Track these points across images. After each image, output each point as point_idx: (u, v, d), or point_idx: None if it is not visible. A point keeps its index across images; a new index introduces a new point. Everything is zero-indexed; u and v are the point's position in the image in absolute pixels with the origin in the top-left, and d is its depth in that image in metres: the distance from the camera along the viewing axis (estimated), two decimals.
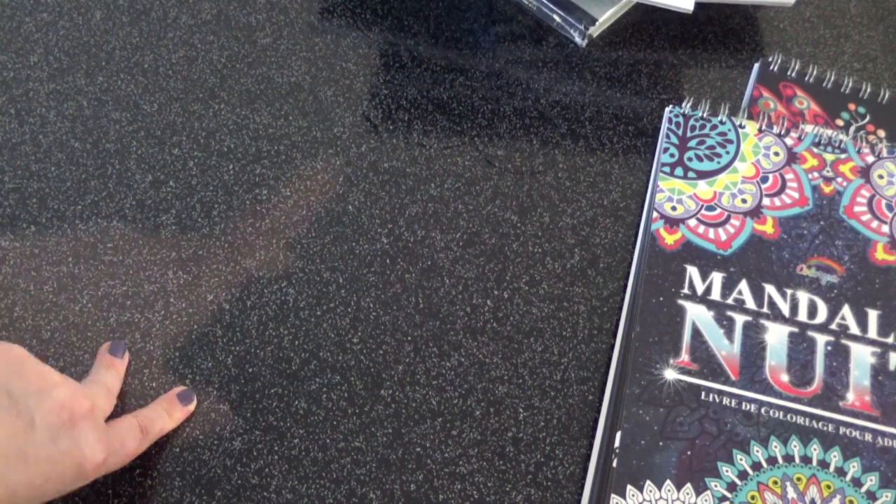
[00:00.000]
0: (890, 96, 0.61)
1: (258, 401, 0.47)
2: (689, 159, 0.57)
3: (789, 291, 0.52)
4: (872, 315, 0.51)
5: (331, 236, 0.53)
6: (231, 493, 0.45)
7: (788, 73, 0.62)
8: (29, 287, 0.51)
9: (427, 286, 0.52)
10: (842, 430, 0.47)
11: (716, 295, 0.51)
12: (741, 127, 0.59)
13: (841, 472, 0.46)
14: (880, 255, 0.53)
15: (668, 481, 0.45)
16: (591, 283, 0.53)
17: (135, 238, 0.52)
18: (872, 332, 0.50)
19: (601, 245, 0.54)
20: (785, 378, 0.49)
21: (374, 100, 0.59)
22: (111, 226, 0.53)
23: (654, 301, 0.51)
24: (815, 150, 0.58)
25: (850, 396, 0.48)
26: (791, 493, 0.45)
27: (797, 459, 0.46)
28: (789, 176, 0.56)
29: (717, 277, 0.52)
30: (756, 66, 0.63)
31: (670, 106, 0.60)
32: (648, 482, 0.45)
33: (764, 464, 0.46)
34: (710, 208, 0.55)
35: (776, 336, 0.50)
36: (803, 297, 0.52)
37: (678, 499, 0.44)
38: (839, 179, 0.56)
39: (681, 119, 0.59)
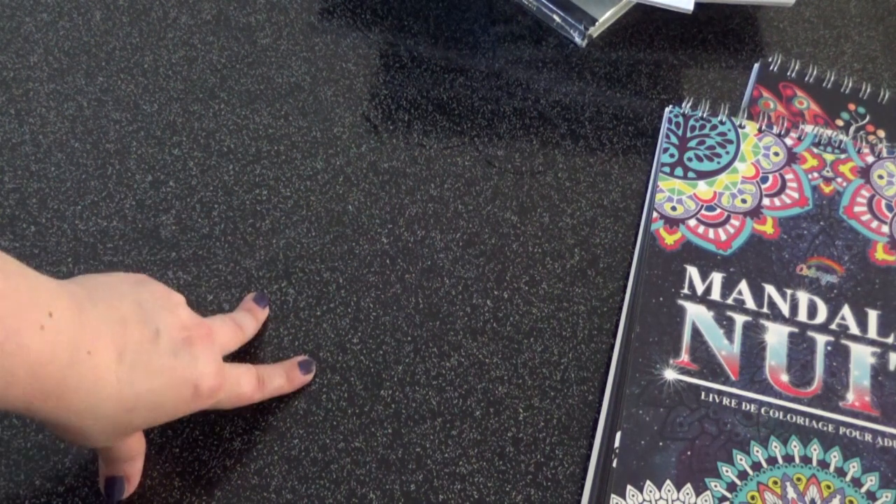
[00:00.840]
0: (890, 96, 0.61)
1: (258, 401, 0.47)
2: (689, 159, 0.57)
3: (789, 291, 0.52)
4: (872, 315, 0.51)
5: (331, 236, 0.53)
6: (231, 493, 0.45)
7: (788, 73, 0.62)
8: None
9: (427, 286, 0.52)
10: (842, 430, 0.47)
11: (716, 295, 0.51)
12: (741, 127, 0.59)
13: (841, 472, 0.46)
14: (880, 255, 0.53)
15: (667, 481, 0.45)
16: (591, 283, 0.53)
17: (135, 238, 0.52)
18: (872, 333, 0.50)
19: (601, 245, 0.54)
20: (785, 378, 0.49)
21: (374, 100, 0.59)
22: (111, 226, 0.53)
23: (653, 301, 0.51)
24: (815, 150, 0.58)
25: (850, 396, 0.48)
26: (791, 494, 0.45)
27: (797, 459, 0.46)
28: (789, 176, 0.56)
29: (716, 277, 0.52)
30: (756, 66, 0.63)
31: (670, 106, 0.60)
32: (648, 482, 0.45)
33: (764, 464, 0.46)
34: (710, 208, 0.55)
35: (776, 336, 0.50)
36: (803, 297, 0.52)
37: (678, 499, 0.44)
38: (839, 179, 0.56)
39: (681, 119, 0.59)
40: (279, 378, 0.46)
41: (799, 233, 0.54)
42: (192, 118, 0.58)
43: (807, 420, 0.47)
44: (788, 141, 0.58)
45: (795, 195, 0.56)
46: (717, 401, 0.48)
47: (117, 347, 0.37)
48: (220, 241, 0.53)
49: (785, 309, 0.51)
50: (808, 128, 0.59)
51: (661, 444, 0.46)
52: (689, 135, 0.58)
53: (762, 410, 0.47)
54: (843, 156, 0.57)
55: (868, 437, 0.47)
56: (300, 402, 0.47)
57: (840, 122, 0.60)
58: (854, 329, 0.50)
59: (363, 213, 0.54)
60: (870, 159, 0.57)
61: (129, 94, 0.58)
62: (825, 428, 0.47)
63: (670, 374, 0.48)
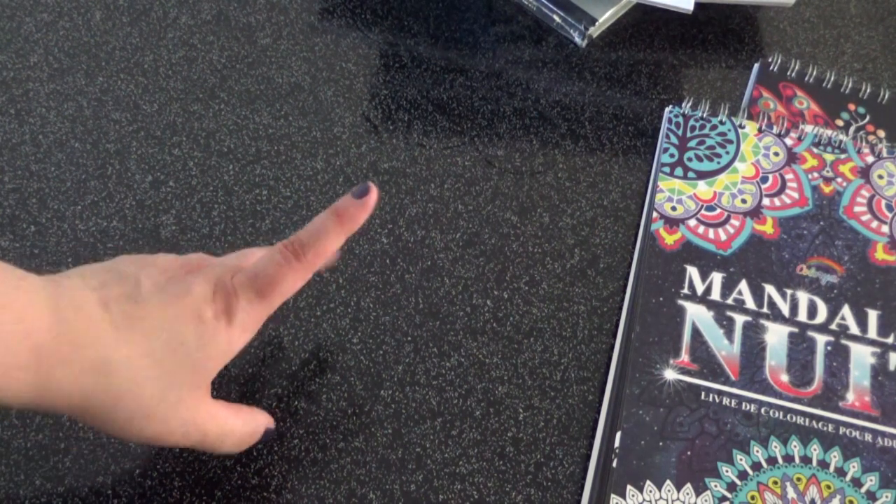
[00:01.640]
0: (890, 96, 0.61)
1: (258, 401, 0.47)
2: (689, 159, 0.57)
3: (789, 291, 0.52)
4: (872, 315, 0.51)
5: None
6: (231, 493, 0.45)
7: (788, 73, 0.62)
8: None
9: (427, 286, 0.52)
10: (842, 430, 0.47)
11: (716, 295, 0.51)
12: (741, 127, 0.59)
13: (841, 472, 0.46)
14: (880, 255, 0.53)
15: (668, 481, 0.45)
16: (591, 283, 0.53)
17: (135, 238, 0.52)
18: (872, 333, 0.50)
19: (601, 245, 0.54)
20: (785, 378, 0.49)
21: (374, 100, 0.59)
22: (111, 226, 0.53)
23: (653, 301, 0.51)
24: (815, 150, 0.58)
25: (850, 396, 0.48)
26: (791, 494, 0.45)
27: (797, 459, 0.46)
28: (789, 176, 0.56)
29: (716, 277, 0.52)
30: (756, 66, 0.63)
31: (670, 106, 0.60)
32: (648, 482, 0.45)
33: (764, 464, 0.46)
34: (710, 208, 0.55)
35: (776, 336, 0.50)
36: (803, 297, 0.52)
37: (678, 499, 0.44)
38: (839, 179, 0.56)
39: (681, 119, 0.59)
40: (322, 236, 0.39)
41: (799, 233, 0.54)
42: (192, 118, 0.58)
43: (807, 420, 0.47)
44: (788, 141, 0.58)
45: (795, 195, 0.56)
46: (717, 401, 0.48)
47: (101, 301, 0.36)
48: (220, 241, 0.53)
49: (785, 309, 0.51)
50: (808, 128, 0.59)
51: (661, 444, 0.46)
52: (689, 135, 0.58)
53: (762, 410, 0.47)
54: (843, 156, 0.57)
55: (868, 437, 0.47)
56: (300, 402, 0.47)
57: (840, 122, 0.60)
58: (854, 329, 0.50)
59: None
60: (870, 159, 0.57)
61: (129, 94, 0.58)
62: (825, 428, 0.47)
63: (670, 374, 0.48)
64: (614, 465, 0.45)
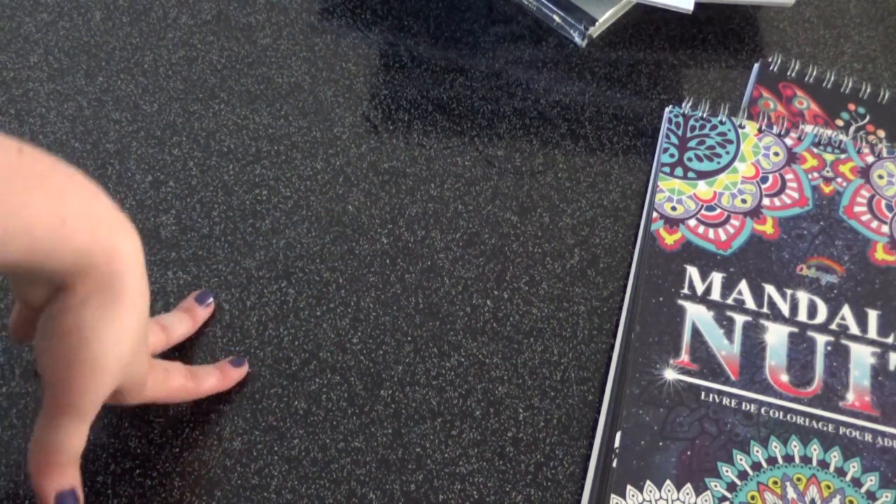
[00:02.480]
0: (890, 96, 0.61)
1: (258, 401, 0.47)
2: (689, 159, 0.57)
3: (789, 291, 0.52)
4: (872, 315, 0.51)
5: (331, 236, 0.53)
6: (231, 493, 0.45)
7: (788, 73, 0.62)
8: None
9: (427, 286, 0.52)
10: (842, 430, 0.47)
11: (716, 295, 0.51)
12: (741, 127, 0.59)
13: (841, 472, 0.46)
14: (880, 255, 0.53)
15: (668, 481, 0.45)
16: (591, 283, 0.53)
17: None
18: (872, 333, 0.50)
19: (601, 245, 0.54)
20: (785, 378, 0.49)
21: (374, 100, 0.59)
22: None
23: (653, 301, 0.51)
24: (815, 150, 0.58)
25: (850, 396, 0.48)
26: (791, 494, 0.45)
27: (797, 459, 0.46)
28: (789, 176, 0.56)
29: (716, 277, 0.52)
30: (756, 66, 0.63)
31: (670, 106, 0.60)
32: (648, 482, 0.45)
33: (764, 464, 0.46)
34: (710, 208, 0.55)
35: (776, 336, 0.50)
36: (803, 297, 0.52)
37: (678, 499, 0.44)
38: (839, 179, 0.56)
39: (681, 119, 0.59)
40: (212, 376, 0.46)
41: (799, 233, 0.54)
42: (192, 118, 0.58)
43: (807, 420, 0.47)
44: (788, 141, 0.58)
45: (795, 195, 0.56)
46: (717, 401, 0.48)
47: None
48: (220, 241, 0.53)
49: (785, 309, 0.51)
50: (808, 128, 0.59)
51: (661, 444, 0.46)
52: (689, 135, 0.58)
53: (762, 410, 0.47)
54: (843, 156, 0.57)
55: (868, 437, 0.47)
56: (300, 402, 0.47)
57: (840, 122, 0.60)
58: (854, 329, 0.50)
59: (363, 213, 0.54)
60: (870, 159, 0.57)
61: (129, 94, 0.58)
62: (825, 428, 0.47)
63: (670, 374, 0.48)
64: (614, 465, 0.45)
